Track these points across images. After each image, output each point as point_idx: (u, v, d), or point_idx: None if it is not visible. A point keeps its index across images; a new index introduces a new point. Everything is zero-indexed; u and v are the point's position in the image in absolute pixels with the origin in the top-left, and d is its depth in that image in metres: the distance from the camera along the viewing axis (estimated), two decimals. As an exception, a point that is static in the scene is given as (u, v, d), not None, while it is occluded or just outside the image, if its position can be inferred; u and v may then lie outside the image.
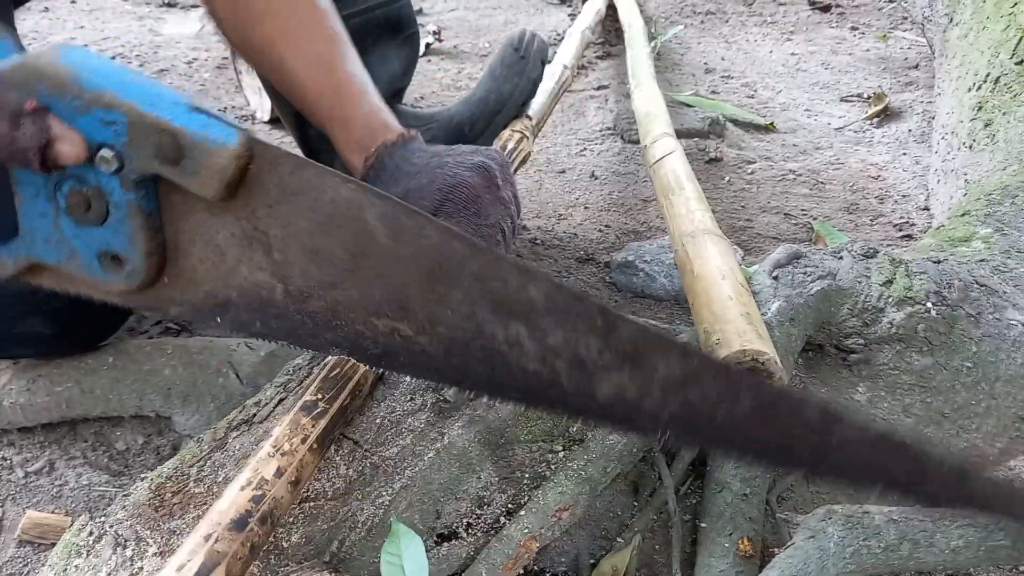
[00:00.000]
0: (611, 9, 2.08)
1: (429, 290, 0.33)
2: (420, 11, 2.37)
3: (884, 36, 2.14)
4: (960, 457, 0.46)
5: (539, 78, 1.26)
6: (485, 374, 0.36)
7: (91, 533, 0.59)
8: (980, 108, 1.27)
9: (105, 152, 0.42)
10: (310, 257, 0.36)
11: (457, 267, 0.32)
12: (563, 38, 1.76)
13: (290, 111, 1.15)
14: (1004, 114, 1.20)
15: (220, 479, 0.63)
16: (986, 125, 1.23)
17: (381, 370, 0.37)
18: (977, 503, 0.48)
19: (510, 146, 1.07)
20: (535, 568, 0.68)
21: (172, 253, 0.43)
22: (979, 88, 1.31)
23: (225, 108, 1.75)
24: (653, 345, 0.36)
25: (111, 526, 0.59)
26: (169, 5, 2.34)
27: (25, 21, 2.12)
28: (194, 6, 2.32)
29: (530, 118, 1.21)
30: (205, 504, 0.60)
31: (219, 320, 0.44)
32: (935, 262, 0.86)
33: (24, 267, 0.46)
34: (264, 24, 0.82)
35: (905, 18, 2.23)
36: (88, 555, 0.58)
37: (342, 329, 0.35)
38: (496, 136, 1.15)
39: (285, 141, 1.59)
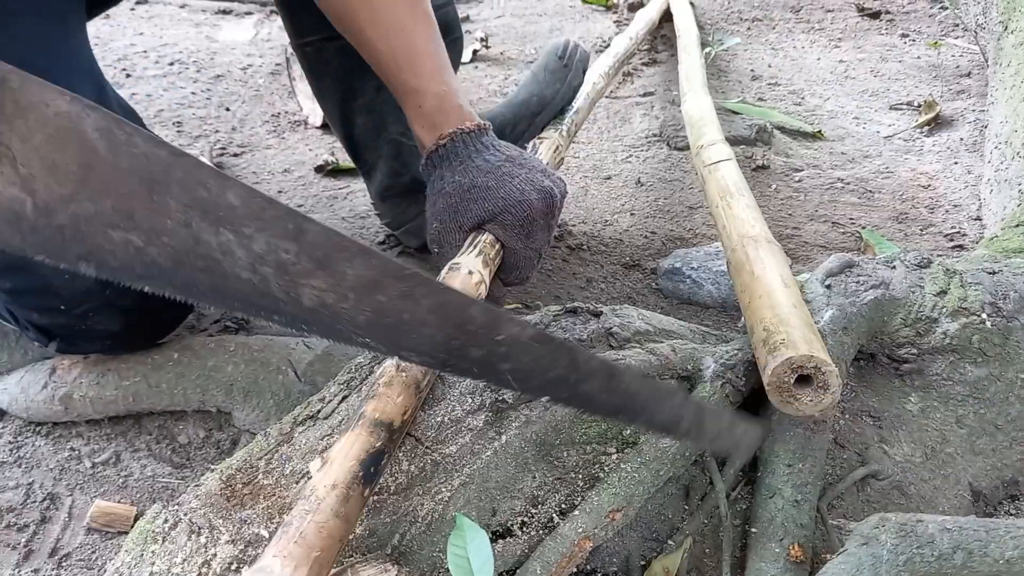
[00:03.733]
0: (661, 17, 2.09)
1: (149, 199, 0.35)
2: (467, 18, 2.40)
3: (935, 43, 2.11)
4: (605, 360, 0.52)
5: (580, 86, 1.30)
6: (209, 284, 0.38)
7: (166, 520, 0.62)
8: (1036, 118, 1.25)
9: None
10: (49, 171, 0.38)
11: (165, 174, 0.34)
12: (608, 45, 1.77)
13: (337, 116, 1.18)
14: (1061, 124, 1.18)
15: (287, 471, 0.66)
16: (1042, 135, 1.21)
17: (126, 284, 0.39)
18: (627, 399, 0.52)
19: (547, 155, 1.09)
20: (587, 568, 0.70)
21: None
22: (1035, 97, 1.29)
23: (278, 113, 1.80)
24: (340, 248, 0.38)
25: (185, 514, 0.62)
26: (224, 12, 2.40)
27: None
28: (248, 13, 2.38)
29: (566, 130, 1.23)
30: (274, 495, 0.63)
31: None
32: (990, 273, 0.85)
33: None
34: None
35: (957, 25, 2.20)
36: (164, 541, 0.61)
37: (85, 242, 0.38)
38: (533, 138, 1.18)
39: (336, 146, 1.62)
